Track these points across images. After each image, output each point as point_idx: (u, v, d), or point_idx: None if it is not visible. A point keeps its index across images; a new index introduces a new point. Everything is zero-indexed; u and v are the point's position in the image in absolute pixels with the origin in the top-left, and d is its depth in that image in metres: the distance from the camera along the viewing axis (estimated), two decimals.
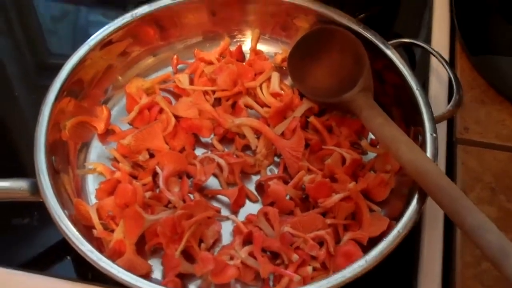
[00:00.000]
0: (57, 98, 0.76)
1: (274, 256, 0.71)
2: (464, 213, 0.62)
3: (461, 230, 0.64)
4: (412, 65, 0.89)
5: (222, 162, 0.77)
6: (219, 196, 0.77)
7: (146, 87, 0.85)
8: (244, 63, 0.88)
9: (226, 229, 0.74)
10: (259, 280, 0.69)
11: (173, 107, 0.82)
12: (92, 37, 0.81)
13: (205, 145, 0.82)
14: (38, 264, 0.74)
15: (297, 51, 0.86)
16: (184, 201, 0.74)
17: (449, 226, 0.75)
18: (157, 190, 0.75)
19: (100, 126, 0.81)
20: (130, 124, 0.83)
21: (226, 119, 0.80)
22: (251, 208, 0.76)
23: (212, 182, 0.78)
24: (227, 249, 0.70)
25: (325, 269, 0.69)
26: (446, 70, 0.82)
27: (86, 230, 0.70)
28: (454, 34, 0.94)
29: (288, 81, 0.87)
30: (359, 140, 0.81)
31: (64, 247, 0.66)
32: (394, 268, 0.69)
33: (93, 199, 0.76)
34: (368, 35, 0.82)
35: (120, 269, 0.63)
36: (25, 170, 0.77)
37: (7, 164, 0.83)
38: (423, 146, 0.72)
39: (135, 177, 0.77)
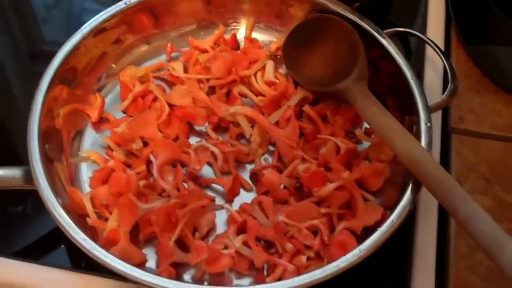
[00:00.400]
0: (50, 86, 0.76)
1: (268, 245, 0.71)
2: (458, 203, 0.62)
3: (455, 220, 0.64)
4: (407, 54, 0.90)
5: (216, 150, 0.77)
6: (213, 185, 0.77)
7: (140, 75, 0.84)
8: (238, 52, 0.87)
9: (220, 218, 0.74)
10: (253, 269, 0.69)
11: (167, 95, 0.82)
12: (86, 24, 0.81)
13: (199, 134, 0.82)
14: (32, 253, 0.74)
15: (292, 39, 0.85)
16: (178, 190, 0.73)
17: (443, 216, 0.75)
18: (151, 179, 0.75)
19: (94, 114, 0.81)
20: (124, 112, 0.82)
21: (220, 107, 0.80)
22: (245, 197, 0.76)
23: (206, 171, 0.78)
24: (221, 238, 0.70)
25: (319, 259, 0.69)
26: (441, 59, 0.81)
27: (79, 218, 0.70)
28: (450, 24, 0.94)
29: (282, 69, 0.86)
30: (353, 129, 0.80)
31: (58, 236, 0.66)
32: (388, 257, 0.70)
33: (86, 188, 0.76)
34: (363, 24, 0.82)
35: (114, 258, 0.62)
36: (19, 158, 0.76)
37: (0, 152, 0.83)
38: (417, 135, 0.72)
39: (129, 166, 0.76)
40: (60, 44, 0.79)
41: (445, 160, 0.80)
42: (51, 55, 0.78)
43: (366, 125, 0.81)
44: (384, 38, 0.81)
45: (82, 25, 0.81)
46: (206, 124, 0.81)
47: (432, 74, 0.88)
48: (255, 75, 0.84)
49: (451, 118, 0.84)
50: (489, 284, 0.71)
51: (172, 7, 0.87)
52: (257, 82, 0.84)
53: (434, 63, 0.88)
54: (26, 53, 0.99)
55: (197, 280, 0.69)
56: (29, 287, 0.70)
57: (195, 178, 0.77)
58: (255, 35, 0.90)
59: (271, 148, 0.80)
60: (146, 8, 0.85)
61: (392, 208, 0.67)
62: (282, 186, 0.74)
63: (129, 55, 0.87)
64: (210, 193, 0.76)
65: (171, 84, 0.85)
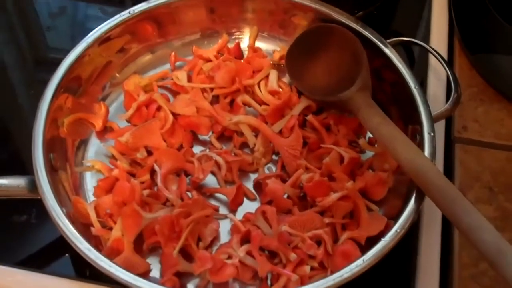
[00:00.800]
0: (55, 95, 0.76)
1: (272, 255, 0.71)
2: (461, 213, 0.63)
3: (458, 230, 0.64)
4: (410, 64, 0.90)
5: (220, 160, 0.77)
6: (217, 194, 0.77)
7: (144, 84, 0.85)
8: (242, 61, 0.88)
9: (224, 227, 0.74)
10: (257, 279, 0.69)
11: (171, 104, 0.82)
12: (90, 33, 0.81)
13: (203, 143, 0.82)
14: (36, 262, 0.74)
15: (296, 48, 0.85)
16: (182, 199, 0.74)
17: (447, 226, 0.75)
18: (155, 188, 0.75)
19: (98, 123, 0.81)
20: (128, 121, 0.83)
21: (224, 116, 0.80)
22: (249, 206, 0.76)
23: (210, 180, 0.78)
24: (225, 247, 0.70)
25: (323, 269, 0.69)
26: (445, 68, 0.82)
27: (84, 228, 0.70)
28: (453, 33, 0.94)
29: (286, 79, 0.87)
30: (357, 139, 0.81)
31: (62, 245, 0.66)
32: (392, 267, 0.70)
33: (91, 197, 0.76)
34: (366, 33, 0.82)
35: (118, 268, 0.62)
36: (23, 167, 0.77)
37: (5, 161, 0.83)
38: (421, 145, 0.72)
39: (133, 175, 0.77)
40: (64, 52, 0.80)
41: (448, 170, 0.80)
42: (55, 63, 0.78)
43: (369, 134, 0.81)
44: (387, 47, 0.81)
45: (86, 33, 0.81)
46: (210, 133, 0.82)
47: (435, 83, 0.88)
48: (258, 84, 0.84)
49: (454, 127, 0.84)
50: None
51: (176, 16, 0.88)
52: (261, 91, 0.84)
53: (437, 72, 0.88)
54: (31, 60, 1.00)
55: None
56: None
57: (199, 187, 0.77)
58: (259, 44, 0.91)
59: (274, 157, 0.80)
60: (150, 17, 0.86)
61: (395, 218, 0.67)
62: (285, 195, 0.75)
63: (133, 64, 0.88)
64: (213, 202, 0.76)
65: (175, 93, 0.85)
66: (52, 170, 0.71)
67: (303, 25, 0.87)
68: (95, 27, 0.82)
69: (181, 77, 0.85)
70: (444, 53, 0.90)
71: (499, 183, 0.79)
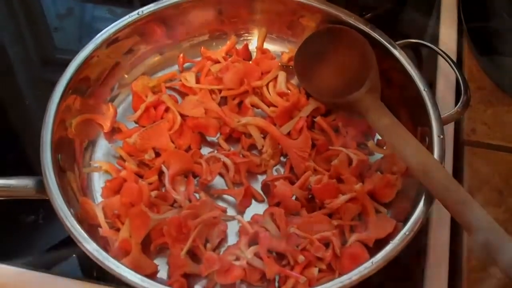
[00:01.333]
0: (63, 96, 0.76)
1: (280, 257, 0.70)
2: (470, 215, 0.62)
3: (467, 232, 0.63)
4: (419, 66, 0.89)
5: (228, 161, 0.77)
6: (225, 196, 0.77)
7: (152, 85, 0.85)
8: (250, 62, 0.88)
9: (232, 229, 0.74)
10: (264, 281, 0.69)
11: (179, 105, 0.82)
12: (99, 34, 0.81)
13: (211, 144, 0.82)
14: (43, 262, 0.74)
15: (304, 50, 0.85)
16: (190, 200, 0.74)
17: (456, 229, 0.74)
18: (163, 189, 0.75)
19: (106, 124, 0.81)
20: (136, 122, 0.83)
21: (232, 118, 0.80)
22: (257, 208, 0.76)
23: (218, 182, 0.78)
24: (232, 249, 0.70)
25: (331, 271, 0.69)
26: (454, 70, 0.81)
27: (91, 228, 0.70)
28: (462, 35, 0.94)
29: (294, 80, 0.87)
30: (365, 141, 0.80)
31: (70, 246, 0.66)
32: (400, 270, 0.69)
33: (99, 197, 0.76)
34: (375, 35, 0.82)
35: (126, 269, 0.62)
36: (31, 168, 0.76)
37: (13, 161, 0.83)
38: (430, 147, 0.72)
39: (141, 176, 0.77)
40: (72, 53, 0.80)
41: (457, 172, 0.80)
42: (63, 63, 0.78)
43: (378, 136, 0.81)
44: (396, 49, 0.81)
45: (94, 34, 0.81)
46: (218, 134, 0.82)
47: (444, 86, 0.87)
48: (267, 85, 0.84)
49: (463, 130, 0.84)
50: None
51: (184, 18, 0.88)
52: (269, 93, 0.84)
53: (446, 74, 0.88)
54: (39, 61, 1.00)
55: None
56: None
57: (207, 189, 0.77)
58: (267, 45, 0.90)
59: (283, 159, 0.80)
60: (158, 18, 0.86)
61: (404, 221, 0.67)
62: (294, 197, 0.74)
63: (141, 65, 0.88)
64: (221, 204, 0.76)
65: (183, 95, 0.85)
66: (60, 171, 0.71)
67: (312, 26, 0.87)
68: (103, 28, 0.82)
69: (189, 78, 0.85)
70: (453, 55, 0.90)
71: (508, 185, 0.78)
